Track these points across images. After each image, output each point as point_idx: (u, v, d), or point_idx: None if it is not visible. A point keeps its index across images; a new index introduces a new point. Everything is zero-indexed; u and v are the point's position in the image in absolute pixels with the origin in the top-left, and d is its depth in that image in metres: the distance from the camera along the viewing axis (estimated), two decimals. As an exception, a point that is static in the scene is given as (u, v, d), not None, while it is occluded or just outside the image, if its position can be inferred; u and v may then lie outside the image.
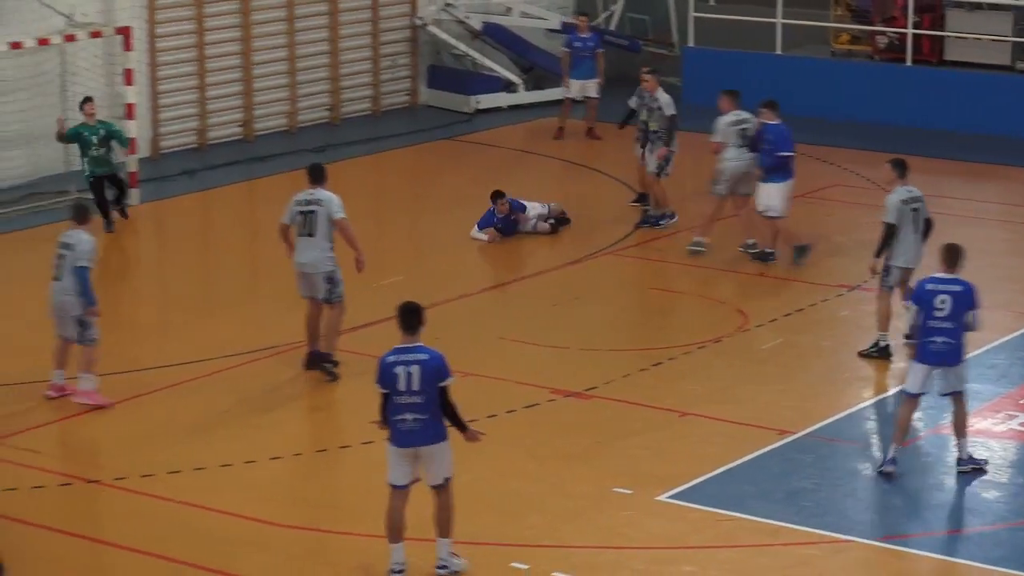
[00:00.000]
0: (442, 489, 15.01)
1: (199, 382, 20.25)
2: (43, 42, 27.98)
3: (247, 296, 24.20)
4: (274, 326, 21.96)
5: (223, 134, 32.50)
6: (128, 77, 28.63)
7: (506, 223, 25.95)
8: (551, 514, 16.75)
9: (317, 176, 20.49)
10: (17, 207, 27.61)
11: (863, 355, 20.92)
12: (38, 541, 16.07)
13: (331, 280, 20.06)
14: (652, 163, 26.18)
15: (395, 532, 15.09)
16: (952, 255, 17.36)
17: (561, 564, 15.59)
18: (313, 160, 30.66)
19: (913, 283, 19.17)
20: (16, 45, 27.60)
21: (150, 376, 20.41)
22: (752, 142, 24.30)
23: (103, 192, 26.29)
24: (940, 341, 17.15)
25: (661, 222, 26.27)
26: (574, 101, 32.86)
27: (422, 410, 14.76)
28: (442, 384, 14.79)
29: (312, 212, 20.03)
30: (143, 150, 29.42)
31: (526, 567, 15.54)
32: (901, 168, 21.00)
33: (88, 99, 26.62)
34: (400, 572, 15.11)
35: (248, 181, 30.00)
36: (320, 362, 20.26)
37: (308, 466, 18.16)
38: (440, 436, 14.91)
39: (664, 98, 26.17)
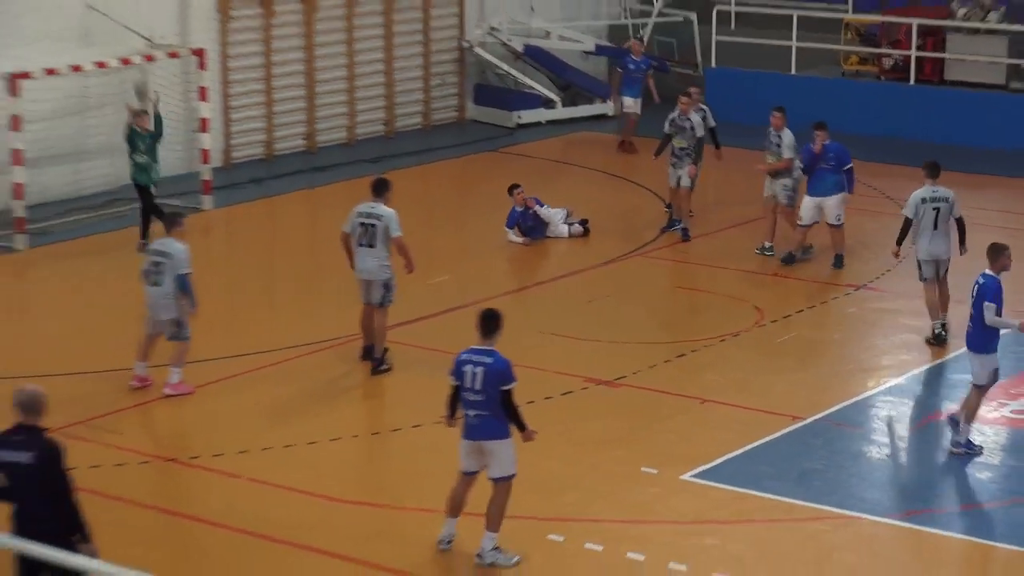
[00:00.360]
0: (498, 484, 14.97)
1: (264, 371, 20.31)
2: (126, 62, 28.07)
3: (307, 293, 24.24)
4: (331, 321, 22.00)
5: (288, 146, 32.57)
6: (202, 94, 28.75)
7: (528, 220, 25.98)
8: (584, 491, 16.78)
9: (379, 190, 20.24)
10: (101, 212, 27.73)
11: (928, 342, 21.10)
12: (119, 513, 16.14)
13: (387, 287, 19.99)
14: (684, 179, 25.69)
15: (452, 508, 15.19)
16: (994, 252, 17.56)
17: (593, 537, 15.62)
18: (372, 171, 30.97)
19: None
20: (101, 64, 27.69)
21: (221, 365, 20.50)
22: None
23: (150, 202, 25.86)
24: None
25: (679, 229, 25.99)
26: (628, 115, 32.55)
27: (483, 407, 14.76)
28: (504, 388, 14.75)
29: (372, 225, 19.92)
30: (216, 160, 29.50)
31: (561, 539, 15.58)
32: (931, 169, 21.43)
33: (143, 111, 26.34)
34: (447, 543, 15.18)
35: (310, 189, 30.05)
36: (372, 357, 20.25)
37: (365, 447, 18.26)
38: (499, 434, 14.87)
39: (695, 119, 25.76)
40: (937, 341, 20.98)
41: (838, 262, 24.39)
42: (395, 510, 16.34)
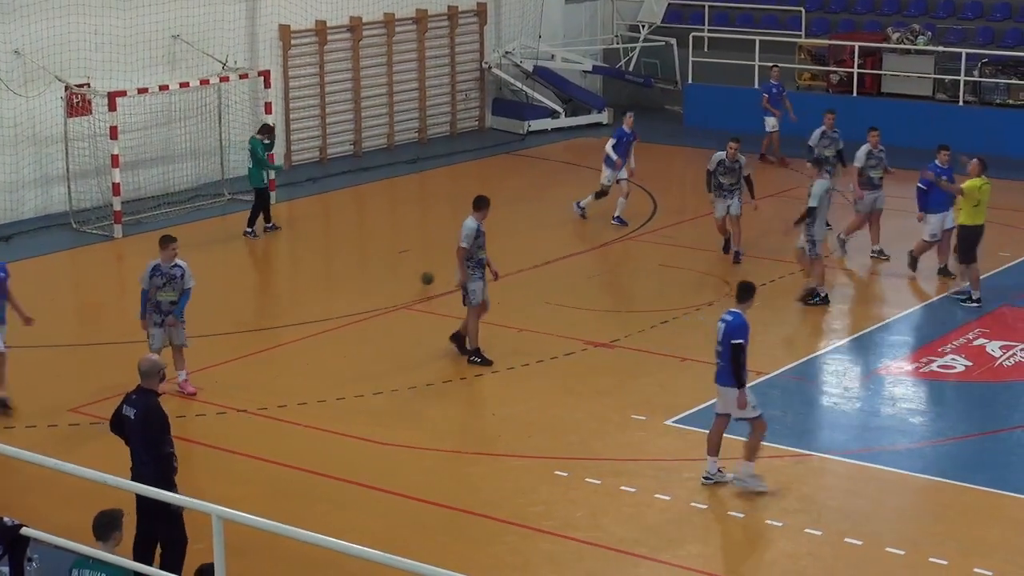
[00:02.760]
0: (748, 423, 15.07)
1: (318, 337, 20.30)
2: (204, 82, 28.06)
3: (356, 272, 24.23)
4: (376, 296, 22.00)
5: (338, 150, 32.52)
6: (267, 108, 28.70)
7: (629, 142, 25.91)
8: (584, 434, 16.76)
9: (475, 205, 19.01)
10: (185, 206, 27.74)
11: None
12: (201, 455, 16.20)
13: (464, 290, 18.96)
14: (734, 207, 23.47)
15: (711, 447, 15.28)
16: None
17: (592, 472, 15.61)
18: (408, 171, 30.97)
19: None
20: (184, 84, 27.71)
21: (283, 332, 20.49)
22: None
23: (264, 202, 25.90)
24: None
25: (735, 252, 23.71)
26: (775, 132, 30.83)
27: (721, 357, 15.03)
28: (733, 342, 14.85)
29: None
30: (279, 162, 29.49)
31: (566, 474, 15.57)
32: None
33: (267, 126, 26.25)
34: (707, 479, 15.21)
35: (356, 187, 30.02)
36: (459, 342, 19.26)
37: (404, 400, 18.20)
38: (727, 381, 15.00)
39: (743, 160, 23.52)
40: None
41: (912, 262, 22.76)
42: (430, 451, 16.32)
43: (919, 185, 22.26)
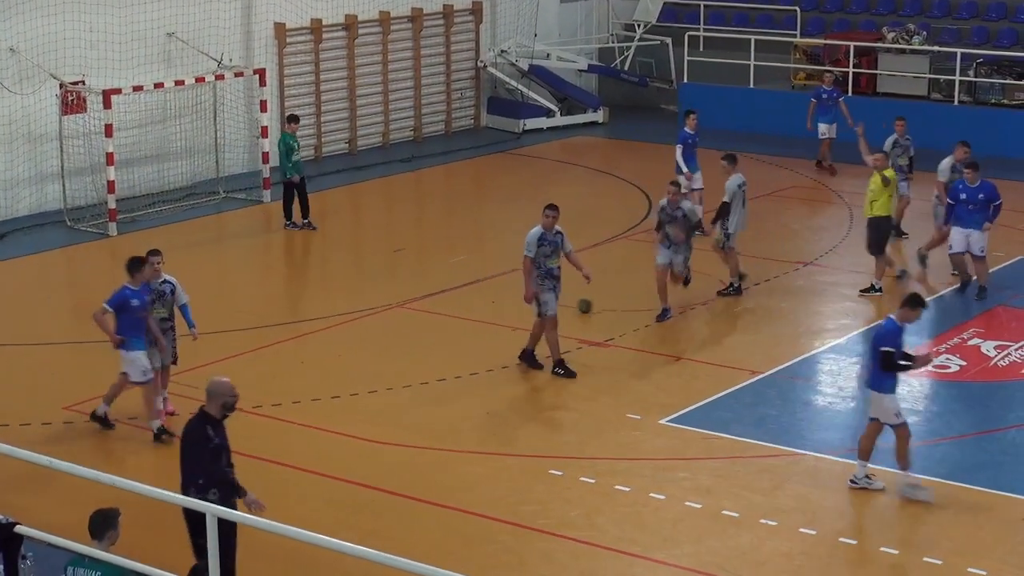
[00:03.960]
0: (894, 430, 14.96)
1: (313, 336, 20.27)
2: (200, 80, 28.05)
3: (351, 271, 24.20)
4: (371, 294, 22.00)
5: (333, 148, 32.52)
6: (263, 106, 28.69)
7: (695, 145, 25.05)
8: (579, 433, 16.75)
9: (544, 212, 18.40)
10: (180, 204, 27.71)
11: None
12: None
13: (538, 302, 18.41)
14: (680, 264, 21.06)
15: (861, 452, 15.16)
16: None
17: (587, 471, 15.60)
18: (403, 169, 30.94)
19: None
20: (179, 82, 27.69)
21: (278, 330, 20.45)
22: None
23: (293, 193, 25.82)
24: None
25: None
26: (825, 139, 29.98)
27: (869, 360, 15.08)
28: (880, 348, 14.73)
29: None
30: (274, 161, 29.38)
31: (560, 473, 15.56)
32: (730, 159, 21.95)
33: (294, 117, 26.34)
34: (854, 482, 15.10)
35: (351, 185, 30.01)
36: (529, 360, 18.66)
37: (399, 399, 18.18)
38: (876, 386, 14.89)
39: (686, 206, 20.73)
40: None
41: (981, 293, 21.75)
42: (428, 450, 16.31)
43: (948, 201, 22.04)
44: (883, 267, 21.74)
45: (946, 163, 22.87)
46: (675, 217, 20.25)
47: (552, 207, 18.43)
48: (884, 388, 14.90)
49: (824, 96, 30.19)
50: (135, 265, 16.69)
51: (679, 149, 25.07)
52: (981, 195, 21.47)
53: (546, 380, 18.39)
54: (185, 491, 12.17)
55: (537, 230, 18.26)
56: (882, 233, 21.63)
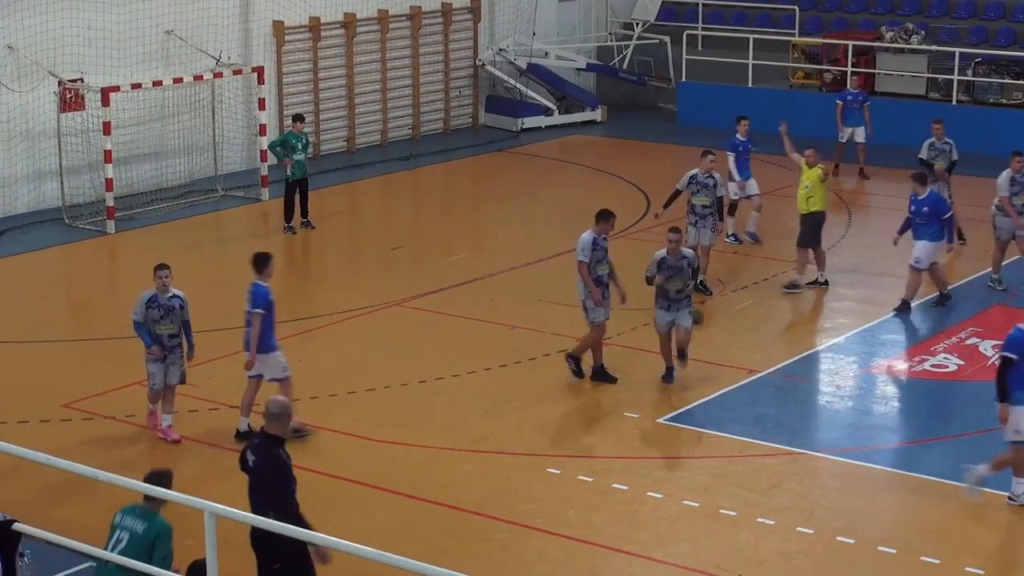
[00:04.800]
0: (1010, 448, 14.70)
1: (311, 333, 20.27)
2: (198, 78, 28.04)
3: (349, 269, 24.19)
4: (369, 292, 21.98)
5: (332, 146, 32.52)
6: (261, 104, 28.67)
7: (747, 150, 24.45)
8: (578, 432, 16.77)
9: (598, 218, 18.14)
10: (177, 202, 27.71)
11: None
12: (193, 451, 16.17)
13: (585, 308, 18.32)
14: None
15: (1016, 471, 14.79)
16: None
17: (584, 470, 15.60)
18: (402, 168, 30.94)
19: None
20: (178, 80, 27.69)
21: (275, 328, 20.43)
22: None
23: (295, 194, 25.65)
24: None
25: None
26: (843, 144, 29.47)
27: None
28: (1001, 353, 14.62)
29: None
30: (272, 159, 29.44)
31: (558, 471, 15.56)
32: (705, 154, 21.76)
33: (300, 116, 25.99)
34: (1012, 500, 14.81)
35: (350, 183, 30.00)
36: (602, 375, 18.33)
37: (397, 397, 18.18)
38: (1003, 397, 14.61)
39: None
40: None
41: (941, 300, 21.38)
42: (418, 448, 16.31)
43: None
44: (805, 262, 21.87)
45: (1004, 177, 21.87)
46: (680, 268, 18.32)
47: (609, 213, 18.14)
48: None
49: (849, 99, 29.74)
50: (264, 261, 16.46)
51: (731, 157, 24.41)
52: (926, 208, 20.85)
53: (544, 378, 18.38)
54: (262, 514, 11.28)
55: (589, 235, 17.94)
56: (819, 227, 21.92)
